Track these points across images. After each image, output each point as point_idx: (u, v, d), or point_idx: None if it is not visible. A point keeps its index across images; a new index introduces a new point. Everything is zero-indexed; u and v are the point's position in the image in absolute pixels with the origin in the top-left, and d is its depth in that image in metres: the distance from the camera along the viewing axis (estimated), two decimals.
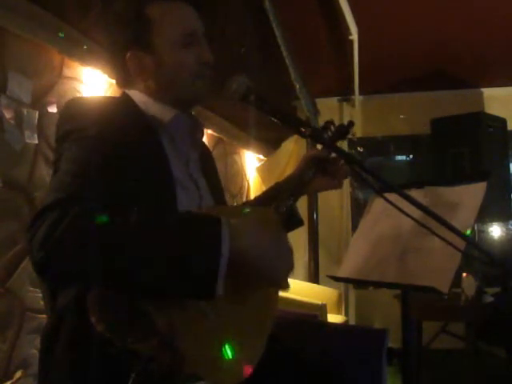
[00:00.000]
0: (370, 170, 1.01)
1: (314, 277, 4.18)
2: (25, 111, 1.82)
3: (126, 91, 1.13)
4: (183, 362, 0.81)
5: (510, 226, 4.01)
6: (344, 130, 1.30)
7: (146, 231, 0.82)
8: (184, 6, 1.12)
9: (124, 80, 1.15)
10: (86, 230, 0.80)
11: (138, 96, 1.11)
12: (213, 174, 1.27)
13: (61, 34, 1.81)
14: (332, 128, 1.24)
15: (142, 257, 0.80)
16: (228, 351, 0.90)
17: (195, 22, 1.13)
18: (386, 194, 1.07)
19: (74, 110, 1.02)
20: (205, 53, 1.12)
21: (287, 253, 0.95)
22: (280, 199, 1.16)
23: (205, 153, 1.27)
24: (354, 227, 4.19)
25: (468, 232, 1.23)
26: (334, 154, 1.27)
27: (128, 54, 1.08)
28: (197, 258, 0.81)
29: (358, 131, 4.36)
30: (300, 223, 1.34)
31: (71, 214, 0.80)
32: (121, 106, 1.08)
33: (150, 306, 0.80)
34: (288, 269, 0.95)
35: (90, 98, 1.14)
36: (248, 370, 0.91)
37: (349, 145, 4.37)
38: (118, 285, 0.83)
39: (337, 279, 1.53)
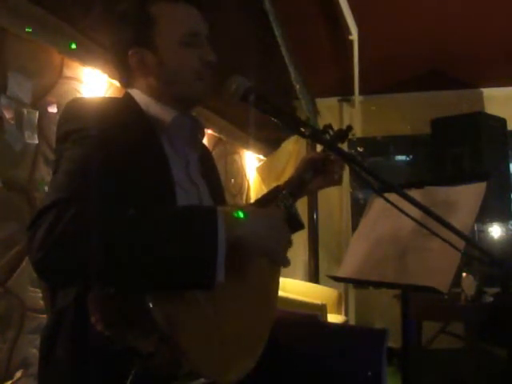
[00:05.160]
0: (370, 170, 1.01)
1: (314, 277, 4.18)
2: (25, 111, 1.82)
3: (129, 91, 1.13)
4: (183, 358, 0.82)
5: (509, 226, 4.00)
6: (343, 134, 1.30)
7: (144, 227, 0.83)
8: (188, 7, 1.13)
9: (126, 78, 1.15)
10: (85, 230, 0.81)
11: (139, 96, 1.12)
12: (213, 175, 1.27)
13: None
14: (331, 132, 1.24)
15: (141, 253, 0.81)
16: (228, 347, 0.91)
17: (199, 22, 1.14)
18: (386, 194, 1.07)
19: (74, 111, 1.02)
20: (208, 53, 1.12)
21: (283, 228, 0.99)
22: (279, 198, 1.17)
23: (205, 154, 1.28)
24: (354, 227, 4.19)
25: (467, 232, 1.23)
26: (332, 156, 1.28)
27: (130, 52, 1.09)
28: (195, 246, 0.83)
29: (357, 131, 4.36)
30: (301, 226, 1.34)
31: (70, 214, 0.81)
32: (122, 107, 1.08)
33: (150, 302, 0.81)
34: (285, 244, 0.98)
35: (91, 98, 1.15)
36: (248, 367, 0.92)
37: (349, 145, 4.37)
38: (118, 282, 0.84)
39: (337, 279, 1.53)
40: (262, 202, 1.32)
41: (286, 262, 0.99)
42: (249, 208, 1.02)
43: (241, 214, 0.90)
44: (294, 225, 1.32)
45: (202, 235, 0.83)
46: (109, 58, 1.23)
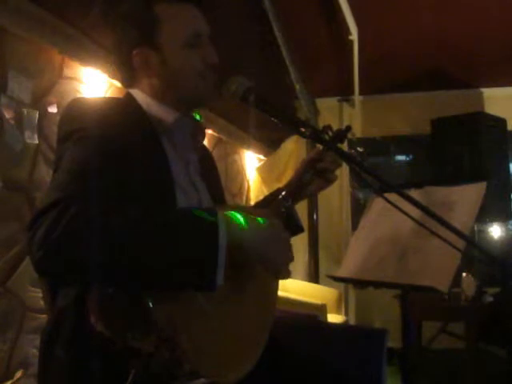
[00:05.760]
0: (369, 170, 1.01)
1: (314, 277, 4.18)
2: (25, 111, 1.82)
3: (130, 91, 1.13)
4: (183, 358, 0.82)
5: (509, 226, 4.01)
6: (342, 135, 1.30)
7: (145, 227, 0.83)
8: (192, 8, 1.13)
9: (128, 78, 1.15)
10: (85, 229, 0.81)
11: (140, 96, 1.11)
12: (213, 176, 1.27)
13: None
14: (330, 133, 1.24)
15: (142, 254, 0.81)
16: (228, 348, 0.91)
17: (202, 24, 1.14)
18: (386, 194, 1.07)
19: (75, 111, 1.02)
20: (211, 54, 1.12)
21: (285, 241, 0.99)
22: (279, 200, 1.17)
23: (205, 155, 1.28)
24: (354, 227, 4.19)
25: (467, 232, 1.23)
26: (329, 156, 1.27)
27: (134, 52, 1.09)
28: (196, 249, 0.83)
29: (357, 131, 4.36)
30: (300, 230, 1.34)
31: (70, 213, 0.81)
32: (123, 107, 1.08)
33: (150, 303, 0.81)
34: (287, 257, 0.99)
35: (92, 98, 1.14)
36: (248, 367, 0.92)
37: (349, 145, 4.36)
38: (118, 282, 0.84)
39: (337, 279, 1.53)
40: (263, 204, 1.32)
41: (286, 275, 0.99)
42: (250, 210, 1.02)
43: (241, 220, 0.90)
44: (294, 228, 1.32)
45: (202, 236, 0.83)
46: (111, 58, 1.23)
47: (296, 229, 1.29)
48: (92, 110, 1.02)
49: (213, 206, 1.16)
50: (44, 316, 1.79)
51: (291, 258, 1.00)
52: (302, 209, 4.07)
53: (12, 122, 1.76)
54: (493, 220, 3.71)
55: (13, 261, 1.75)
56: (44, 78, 1.95)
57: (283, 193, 1.21)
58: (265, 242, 0.93)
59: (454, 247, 1.05)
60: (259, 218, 0.97)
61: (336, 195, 4.27)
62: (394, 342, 1.46)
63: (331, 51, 3.71)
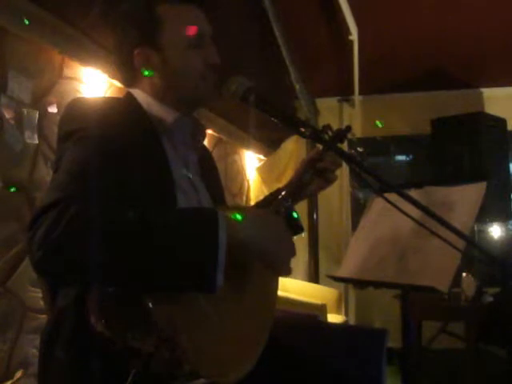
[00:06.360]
0: (369, 170, 1.01)
1: (314, 277, 4.18)
2: (25, 111, 1.82)
3: (131, 91, 1.14)
4: (183, 358, 0.82)
5: (509, 226, 4.01)
6: (342, 135, 1.30)
7: (144, 228, 0.83)
8: (194, 9, 1.13)
9: (129, 78, 1.15)
10: (85, 229, 0.81)
11: (141, 96, 1.12)
12: (213, 177, 1.27)
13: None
14: (330, 133, 1.24)
15: (142, 253, 0.81)
16: (228, 348, 0.91)
17: (204, 24, 1.14)
18: (386, 194, 1.07)
19: (75, 111, 1.02)
20: (212, 55, 1.13)
21: (287, 237, 0.99)
22: (279, 200, 1.17)
23: (205, 155, 1.28)
24: (354, 227, 4.18)
25: (467, 232, 1.23)
26: (329, 156, 1.27)
27: (135, 52, 1.09)
28: (196, 250, 0.82)
29: (357, 131, 4.36)
30: (300, 230, 1.33)
31: (70, 213, 0.81)
32: (123, 107, 1.08)
33: (150, 303, 0.81)
34: (288, 253, 0.98)
35: (93, 98, 1.14)
36: (248, 367, 0.92)
37: (349, 145, 4.37)
38: (118, 282, 0.84)
39: (337, 279, 1.53)
40: (263, 204, 1.32)
41: (286, 272, 0.99)
42: (250, 210, 1.02)
43: (239, 217, 0.90)
44: (294, 228, 1.32)
45: (202, 238, 0.83)
46: (111, 58, 1.23)
47: (296, 229, 1.29)
48: (92, 109, 1.02)
49: (213, 206, 1.16)
50: (44, 316, 1.79)
51: (293, 254, 1.00)
52: (302, 209, 4.07)
53: (12, 122, 1.76)
54: (493, 220, 3.71)
55: (13, 261, 1.75)
56: (44, 78, 1.95)
57: (283, 193, 1.21)
58: (265, 237, 0.93)
59: (454, 247, 1.05)
60: (259, 216, 0.98)
61: (336, 195, 4.27)
62: (394, 342, 1.46)
63: (331, 51, 3.72)
